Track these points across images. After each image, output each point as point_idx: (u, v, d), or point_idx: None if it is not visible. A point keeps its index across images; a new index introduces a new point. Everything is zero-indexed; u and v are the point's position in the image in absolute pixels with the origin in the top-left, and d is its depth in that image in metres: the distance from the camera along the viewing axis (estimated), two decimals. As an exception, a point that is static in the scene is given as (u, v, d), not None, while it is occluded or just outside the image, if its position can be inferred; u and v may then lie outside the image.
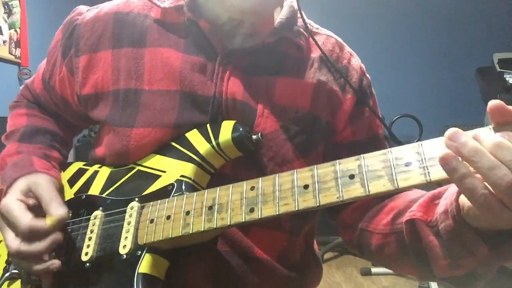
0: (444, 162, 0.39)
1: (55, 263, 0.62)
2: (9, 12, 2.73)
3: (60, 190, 0.71)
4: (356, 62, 0.77)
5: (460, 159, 0.39)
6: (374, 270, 2.65)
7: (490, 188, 0.39)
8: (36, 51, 2.85)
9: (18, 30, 2.80)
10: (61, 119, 0.85)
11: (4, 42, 2.68)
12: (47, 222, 0.62)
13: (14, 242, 0.62)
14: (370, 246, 0.67)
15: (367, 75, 0.78)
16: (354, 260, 2.95)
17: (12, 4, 2.75)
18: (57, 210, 0.63)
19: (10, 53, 2.73)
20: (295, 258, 0.73)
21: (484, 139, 0.39)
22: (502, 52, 2.87)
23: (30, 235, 0.62)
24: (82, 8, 0.79)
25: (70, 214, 0.67)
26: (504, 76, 2.72)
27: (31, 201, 0.66)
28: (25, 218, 0.62)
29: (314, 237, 0.81)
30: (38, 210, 0.65)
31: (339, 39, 0.79)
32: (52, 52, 0.80)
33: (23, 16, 2.82)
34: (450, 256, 0.51)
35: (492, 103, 0.40)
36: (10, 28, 2.74)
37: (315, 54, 0.73)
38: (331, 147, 0.72)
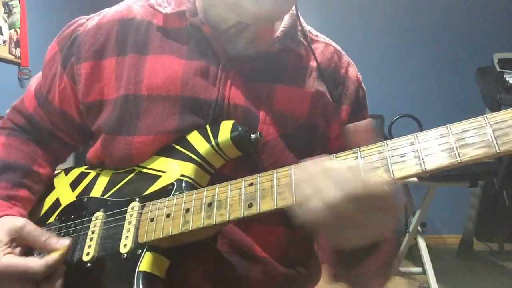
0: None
1: None
2: (9, 12, 2.74)
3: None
4: (353, 72, 0.77)
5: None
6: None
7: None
8: (36, 51, 2.85)
9: (18, 30, 2.80)
10: (55, 139, 0.82)
11: (4, 42, 2.69)
12: (56, 254, 0.62)
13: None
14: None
15: (363, 86, 0.78)
16: (354, 260, 2.95)
17: (12, 4, 2.75)
18: (59, 243, 0.63)
19: (10, 53, 2.74)
20: (295, 257, 0.73)
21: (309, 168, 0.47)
22: (502, 52, 2.87)
23: (48, 273, 0.61)
24: (81, 19, 0.78)
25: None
26: (504, 76, 2.72)
27: (18, 250, 0.65)
28: (33, 261, 0.61)
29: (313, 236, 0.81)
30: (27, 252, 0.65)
31: (338, 47, 0.79)
32: (49, 65, 0.78)
33: (23, 16, 2.82)
34: (332, 265, 0.60)
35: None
36: (10, 28, 2.75)
37: (314, 62, 0.74)
38: (327, 154, 0.72)
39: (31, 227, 0.65)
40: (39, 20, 3.00)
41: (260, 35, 0.71)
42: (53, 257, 0.62)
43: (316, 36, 0.78)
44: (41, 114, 0.80)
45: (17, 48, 2.80)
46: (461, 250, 3.08)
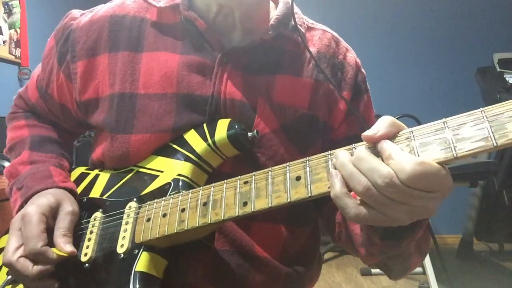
0: (330, 177, 0.46)
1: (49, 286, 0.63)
2: (9, 12, 2.73)
3: (75, 201, 0.71)
4: (352, 57, 0.77)
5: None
6: (374, 270, 2.65)
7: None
8: (36, 51, 2.85)
9: (18, 30, 2.80)
10: (60, 128, 0.84)
11: (4, 42, 2.68)
12: (54, 255, 0.62)
13: (13, 254, 0.62)
14: (334, 234, 0.73)
15: (362, 70, 0.78)
16: (354, 260, 2.95)
17: (12, 4, 2.75)
18: (67, 248, 0.63)
19: (10, 53, 2.73)
20: (295, 256, 0.73)
21: (353, 153, 0.45)
22: (502, 52, 2.87)
23: (32, 257, 0.62)
24: (75, 12, 0.78)
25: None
26: (504, 76, 2.72)
27: (51, 222, 0.66)
28: (39, 241, 0.62)
29: (319, 232, 0.80)
30: (51, 230, 0.65)
31: (335, 34, 0.79)
32: (47, 59, 0.79)
33: (23, 16, 2.82)
34: (364, 244, 0.58)
35: (363, 136, 0.45)
36: (10, 28, 2.74)
37: (312, 49, 0.73)
38: (329, 144, 0.72)
39: (69, 217, 0.66)
40: (39, 20, 2.99)
41: (254, 28, 0.71)
42: (47, 253, 0.62)
43: (312, 24, 0.78)
44: (43, 106, 0.82)
45: (17, 48, 2.79)
46: (461, 250, 3.07)
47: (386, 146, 0.43)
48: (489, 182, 2.94)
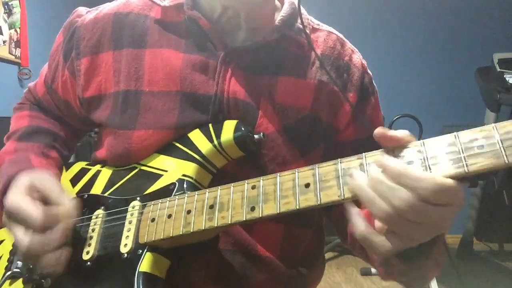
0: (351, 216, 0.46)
1: (65, 253, 0.62)
2: (9, 12, 2.73)
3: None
4: (358, 58, 0.77)
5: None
6: (374, 270, 2.65)
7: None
8: (36, 51, 2.85)
9: (18, 30, 2.80)
10: (65, 124, 0.85)
11: (4, 42, 2.68)
12: (59, 209, 0.60)
13: (25, 238, 0.59)
14: (346, 240, 0.73)
15: (369, 71, 0.77)
16: (354, 260, 2.95)
17: (12, 4, 2.75)
18: (68, 201, 0.61)
19: (10, 53, 2.73)
20: (298, 257, 0.73)
21: (369, 173, 0.44)
22: (502, 52, 2.87)
23: (44, 225, 0.59)
24: (81, 9, 0.79)
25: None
26: (504, 76, 2.71)
27: (36, 195, 0.63)
28: (37, 209, 0.59)
29: (323, 233, 0.80)
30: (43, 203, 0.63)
31: (340, 35, 0.78)
32: (54, 55, 0.80)
33: (23, 16, 2.82)
34: (382, 264, 0.57)
35: (376, 132, 0.45)
36: (10, 28, 2.74)
37: (317, 51, 0.73)
38: (332, 146, 0.72)
39: (47, 179, 0.64)
40: (39, 20, 2.99)
41: (258, 28, 0.71)
42: (52, 210, 0.60)
43: (318, 25, 0.78)
44: (49, 101, 0.83)
45: (17, 48, 2.79)
46: (461, 250, 3.08)
47: (397, 164, 0.43)
48: (489, 182, 2.94)
